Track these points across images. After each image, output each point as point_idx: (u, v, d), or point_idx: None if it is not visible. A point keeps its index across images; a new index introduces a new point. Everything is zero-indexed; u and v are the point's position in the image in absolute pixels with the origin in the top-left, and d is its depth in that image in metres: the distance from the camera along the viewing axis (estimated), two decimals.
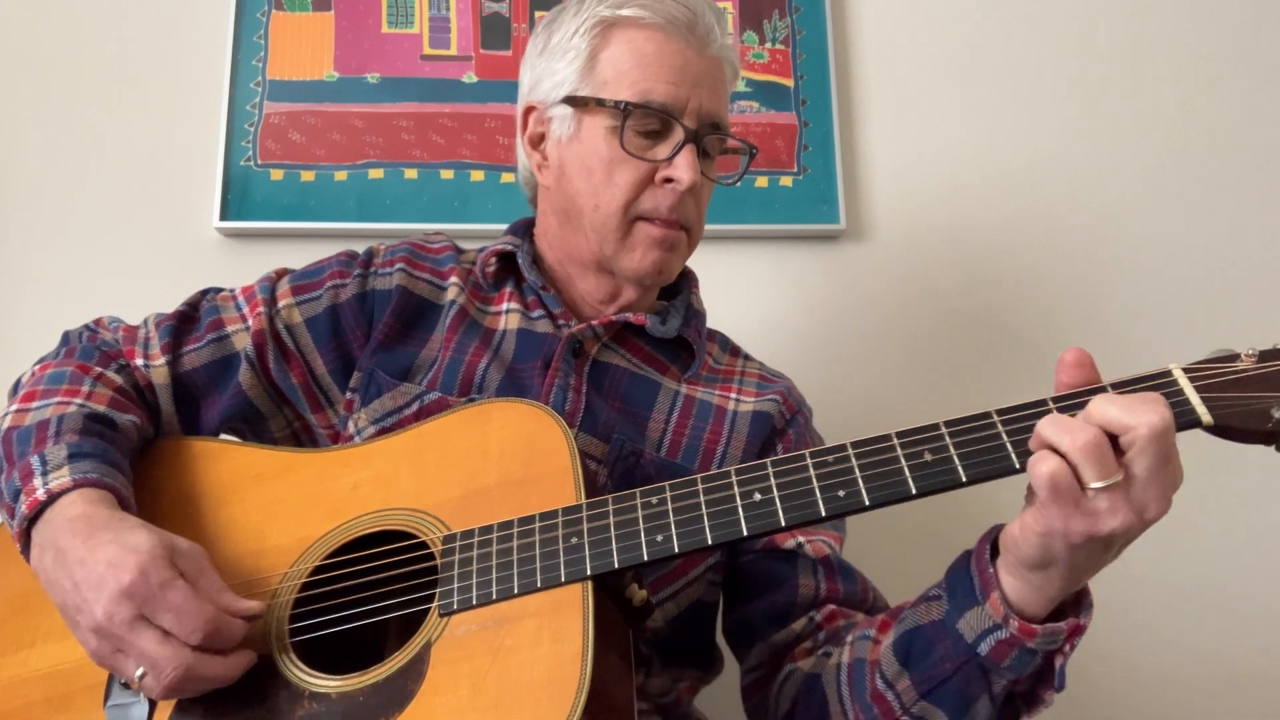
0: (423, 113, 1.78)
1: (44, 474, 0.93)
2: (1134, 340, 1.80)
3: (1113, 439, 0.72)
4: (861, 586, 1.12)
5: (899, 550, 1.63)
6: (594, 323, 1.15)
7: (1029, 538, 0.76)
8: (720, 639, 1.21)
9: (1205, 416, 0.75)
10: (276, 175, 1.74)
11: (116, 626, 0.83)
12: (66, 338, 1.17)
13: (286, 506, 1.00)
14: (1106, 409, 0.73)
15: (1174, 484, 0.73)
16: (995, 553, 0.82)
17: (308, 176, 1.74)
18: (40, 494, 0.91)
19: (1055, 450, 0.73)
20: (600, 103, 1.11)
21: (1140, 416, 0.71)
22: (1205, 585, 1.73)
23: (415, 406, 1.09)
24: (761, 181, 1.80)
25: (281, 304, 1.15)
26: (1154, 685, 1.69)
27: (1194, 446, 0.76)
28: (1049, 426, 0.74)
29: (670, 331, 1.19)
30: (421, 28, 1.82)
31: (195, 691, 0.86)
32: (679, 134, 1.11)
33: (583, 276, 1.19)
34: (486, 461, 0.95)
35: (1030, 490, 0.77)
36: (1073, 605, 0.82)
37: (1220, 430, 0.76)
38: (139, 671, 0.83)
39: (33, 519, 0.92)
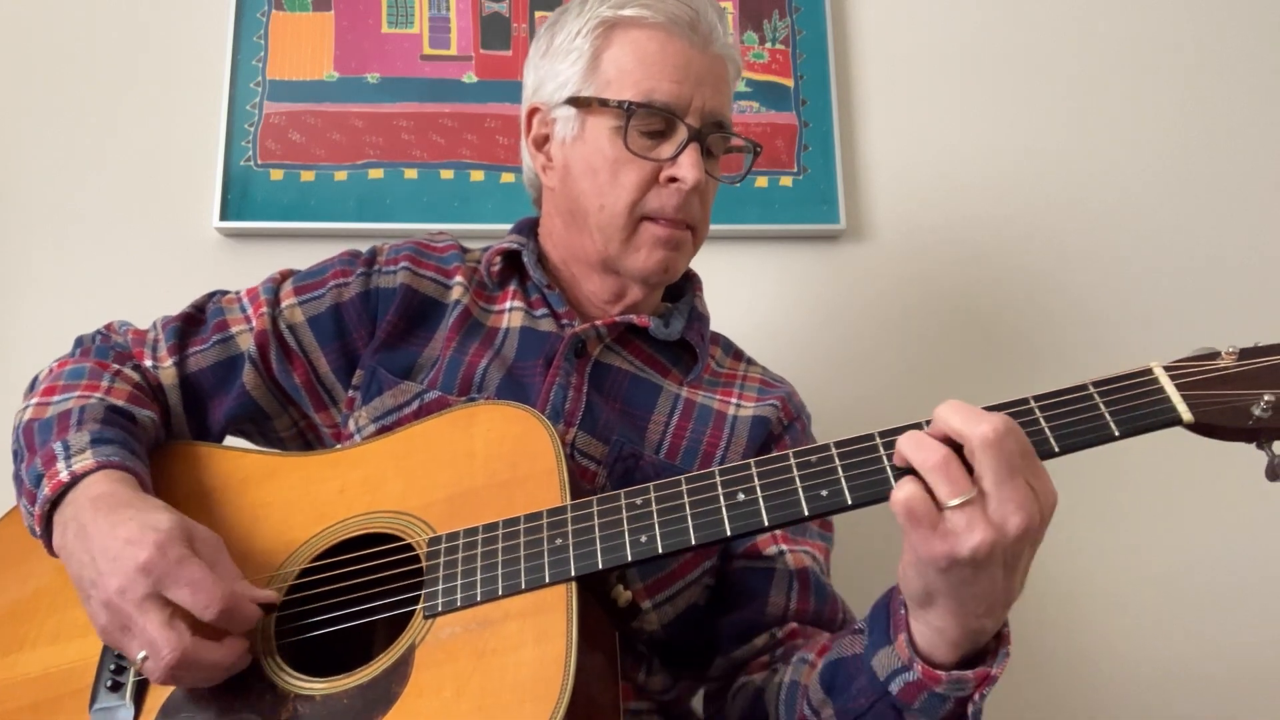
0: (423, 113, 1.78)
1: (67, 458, 0.94)
2: (1133, 339, 1.79)
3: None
4: (831, 607, 1.11)
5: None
6: (598, 323, 1.15)
7: (906, 571, 0.76)
8: None
9: (1186, 414, 0.75)
10: (276, 175, 1.74)
11: (127, 603, 0.84)
12: (80, 340, 1.18)
13: (273, 510, 1.00)
14: (950, 417, 0.73)
15: (1034, 499, 0.71)
16: None
17: (308, 176, 1.74)
18: (64, 475, 0.93)
19: (912, 469, 0.73)
20: (604, 103, 1.11)
21: (974, 426, 0.71)
22: (1198, 585, 1.72)
23: (415, 405, 1.09)
24: (761, 181, 1.80)
25: (285, 304, 1.15)
26: (1153, 685, 1.69)
27: (1180, 446, 0.75)
28: (906, 443, 0.74)
29: (673, 334, 1.19)
30: (421, 28, 1.82)
31: (194, 680, 0.86)
32: (683, 133, 1.11)
33: (588, 277, 1.19)
34: (473, 463, 0.95)
35: None
36: (991, 654, 0.80)
37: (1202, 428, 0.76)
38: (140, 654, 0.84)
39: (55, 501, 0.93)
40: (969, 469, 0.72)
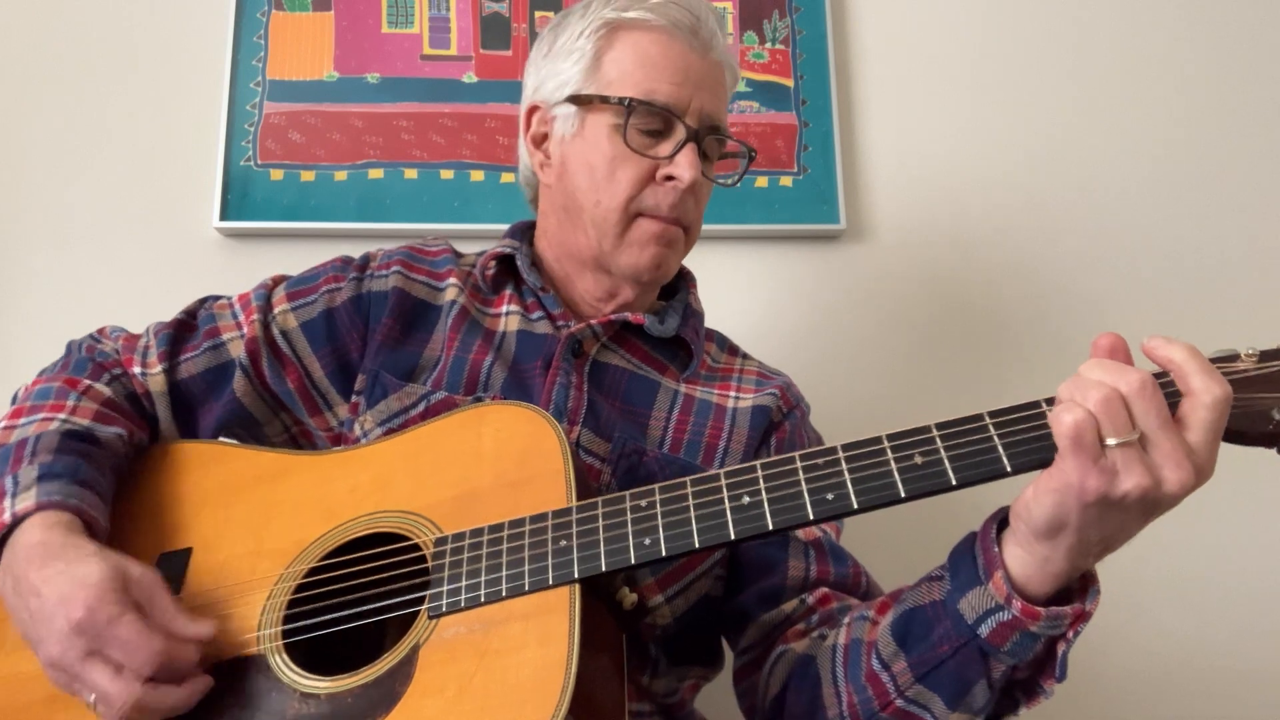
0: (423, 113, 1.78)
1: (13, 495, 0.94)
2: (1135, 338, 1.78)
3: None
4: (853, 570, 1.12)
5: (905, 550, 1.63)
6: (593, 322, 1.15)
7: (1042, 498, 0.74)
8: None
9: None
10: (276, 175, 1.74)
11: (69, 663, 0.84)
12: (69, 347, 1.18)
13: (284, 509, 1.01)
14: (1094, 370, 0.74)
15: (1189, 457, 0.71)
16: (1000, 534, 0.82)
17: (308, 176, 1.74)
18: (6, 517, 0.92)
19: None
20: (605, 100, 1.12)
21: (1124, 375, 0.72)
22: (1210, 587, 1.72)
23: (422, 407, 1.09)
24: (761, 181, 1.80)
25: (277, 310, 1.16)
26: (1154, 686, 1.69)
27: None
28: (1068, 387, 0.74)
29: (668, 331, 1.20)
30: (421, 28, 1.82)
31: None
32: (681, 133, 1.12)
33: (581, 275, 1.20)
34: (481, 463, 0.95)
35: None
36: (1079, 592, 0.81)
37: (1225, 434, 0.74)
38: (92, 698, 0.84)
39: (2, 540, 0.93)
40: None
